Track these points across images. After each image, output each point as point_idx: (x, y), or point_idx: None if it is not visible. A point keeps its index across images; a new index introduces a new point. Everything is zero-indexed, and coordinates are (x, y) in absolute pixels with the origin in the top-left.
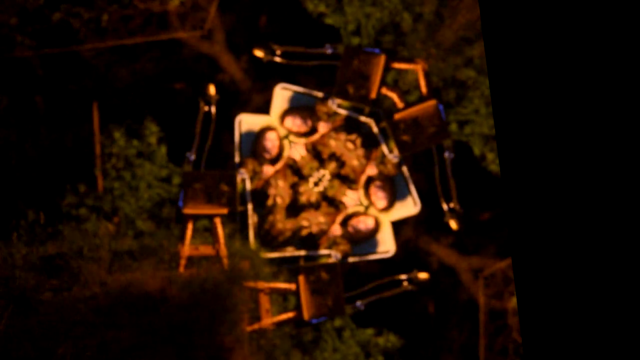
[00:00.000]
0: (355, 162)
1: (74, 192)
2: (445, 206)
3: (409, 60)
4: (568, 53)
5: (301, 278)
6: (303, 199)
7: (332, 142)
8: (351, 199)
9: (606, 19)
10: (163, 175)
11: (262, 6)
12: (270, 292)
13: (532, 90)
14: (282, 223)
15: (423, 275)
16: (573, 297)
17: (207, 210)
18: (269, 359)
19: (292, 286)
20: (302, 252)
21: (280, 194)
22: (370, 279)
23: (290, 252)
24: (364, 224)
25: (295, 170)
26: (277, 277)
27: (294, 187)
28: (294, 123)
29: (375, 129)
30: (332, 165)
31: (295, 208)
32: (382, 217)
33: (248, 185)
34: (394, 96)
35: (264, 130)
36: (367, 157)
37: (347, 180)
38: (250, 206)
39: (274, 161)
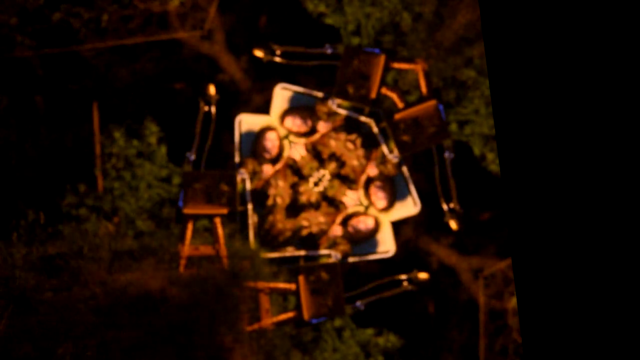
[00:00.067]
0: (355, 162)
1: (74, 192)
2: (445, 206)
3: (409, 60)
4: (568, 53)
5: (301, 278)
6: (303, 199)
7: (332, 142)
8: (351, 199)
9: (606, 19)
10: (163, 175)
11: (262, 6)
12: (270, 292)
13: (532, 91)
14: (282, 223)
15: (423, 275)
16: (573, 297)
17: (207, 210)
18: (269, 359)
19: (292, 286)
20: (302, 252)
21: (280, 194)
22: (370, 279)
23: (290, 252)
24: (364, 224)
25: (295, 170)
26: (277, 277)
27: (294, 187)
28: (294, 123)
29: (375, 129)
30: (332, 165)
31: (295, 208)
32: (382, 217)
33: (248, 185)
34: (394, 96)
35: (264, 130)
36: (367, 157)
37: (347, 180)
38: (250, 206)
39: (274, 161)
